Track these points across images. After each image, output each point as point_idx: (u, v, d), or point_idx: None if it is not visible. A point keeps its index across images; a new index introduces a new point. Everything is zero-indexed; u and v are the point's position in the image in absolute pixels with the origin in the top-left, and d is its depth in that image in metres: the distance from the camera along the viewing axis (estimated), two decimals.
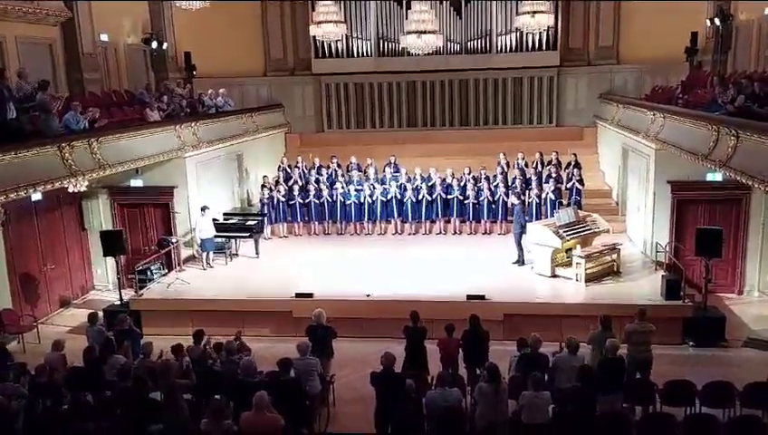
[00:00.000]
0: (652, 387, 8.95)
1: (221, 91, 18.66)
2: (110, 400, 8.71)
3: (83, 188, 12.25)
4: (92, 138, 12.33)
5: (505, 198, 16.54)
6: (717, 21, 16.71)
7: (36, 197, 13.38)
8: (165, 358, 9.51)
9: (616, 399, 8.61)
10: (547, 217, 15.38)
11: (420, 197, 17.14)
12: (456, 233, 17.37)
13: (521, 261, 14.60)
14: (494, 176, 17.30)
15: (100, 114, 13.37)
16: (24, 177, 10.66)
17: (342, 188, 17.40)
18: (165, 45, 20.02)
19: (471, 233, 17.27)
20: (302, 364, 8.97)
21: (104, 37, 18.18)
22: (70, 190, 12.02)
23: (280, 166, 19.07)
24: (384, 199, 17.30)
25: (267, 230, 17.33)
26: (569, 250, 13.87)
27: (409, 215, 17.30)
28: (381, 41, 20.98)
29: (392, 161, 18.30)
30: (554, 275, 13.79)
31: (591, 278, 13.46)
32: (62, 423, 8.07)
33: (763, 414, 8.53)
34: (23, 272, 14.02)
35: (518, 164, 17.71)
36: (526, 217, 15.02)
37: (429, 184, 17.20)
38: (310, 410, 8.83)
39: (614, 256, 14.03)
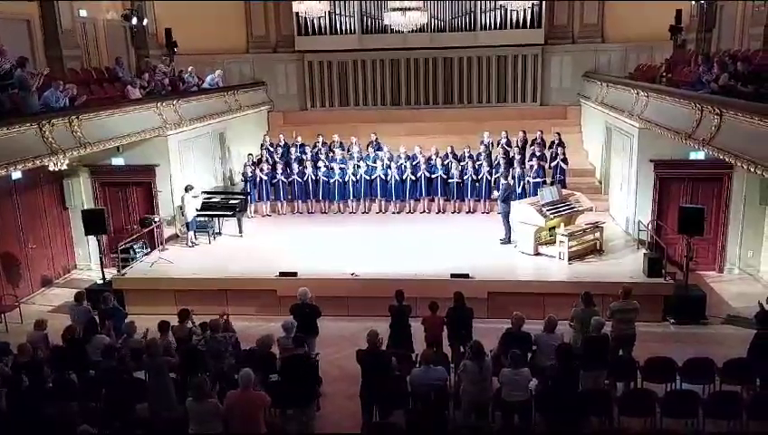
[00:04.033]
0: (634, 364, 9.06)
1: (218, 72, 18.61)
2: (94, 379, 8.70)
3: (64, 167, 12.10)
4: (73, 115, 12.14)
5: (489, 177, 16.55)
6: None
7: (16, 175, 13.22)
8: (151, 337, 9.46)
9: (599, 375, 8.73)
10: (530, 196, 15.41)
11: (404, 176, 17.10)
12: (439, 212, 17.36)
13: (508, 239, 14.65)
14: (478, 155, 17.30)
15: (80, 92, 13.19)
16: (3, 155, 10.47)
17: (325, 166, 17.31)
18: (145, 21, 19.67)
19: (455, 212, 17.30)
20: (288, 342, 8.98)
21: (83, 13, 17.81)
22: (50, 169, 11.87)
23: (262, 144, 18.94)
24: (368, 178, 17.25)
25: (250, 209, 17.24)
26: (552, 228, 13.94)
27: (393, 194, 17.26)
28: (365, 17, 20.72)
29: (373, 139, 18.24)
30: (537, 254, 13.86)
31: (574, 256, 13.54)
32: (46, 402, 8.03)
33: (742, 390, 8.69)
34: (4, 251, 13.88)
35: (502, 143, 17.72)
36: (512, 196, 15.05)
37: (413, 163, 17.16)
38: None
39: (597, 234, 14.11)
